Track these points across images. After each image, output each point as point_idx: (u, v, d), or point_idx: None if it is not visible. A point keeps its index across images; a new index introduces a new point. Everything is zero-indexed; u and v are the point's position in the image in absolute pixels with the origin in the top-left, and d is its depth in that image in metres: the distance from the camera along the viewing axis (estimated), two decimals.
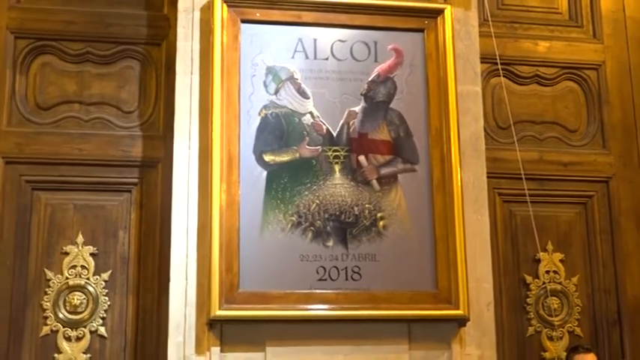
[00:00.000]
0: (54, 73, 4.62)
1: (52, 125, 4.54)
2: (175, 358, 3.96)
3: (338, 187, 4.26)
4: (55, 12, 4.66)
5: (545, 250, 4.83)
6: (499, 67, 4.84)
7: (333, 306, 4.08)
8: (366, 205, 4.26)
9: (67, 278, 4.33)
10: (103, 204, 4.48)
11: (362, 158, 4.32)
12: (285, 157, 4.26)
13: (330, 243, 4.18)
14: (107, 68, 4.67)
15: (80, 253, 4.37)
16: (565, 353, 4.68)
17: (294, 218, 4.17)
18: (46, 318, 4.28)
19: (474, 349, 4.20)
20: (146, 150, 4.55)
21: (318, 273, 4.13)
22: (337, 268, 4.15)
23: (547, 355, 4.73)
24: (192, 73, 4.29)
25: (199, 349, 3.97)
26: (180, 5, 4.38)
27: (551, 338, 4.75)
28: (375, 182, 4.30)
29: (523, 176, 4.63)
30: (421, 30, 4.52)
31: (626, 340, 4.73)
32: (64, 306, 4.30)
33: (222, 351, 3.99)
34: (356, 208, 4.24)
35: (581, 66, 5.17)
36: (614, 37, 5.24)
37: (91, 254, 4.39)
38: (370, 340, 4.11)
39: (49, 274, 4.34)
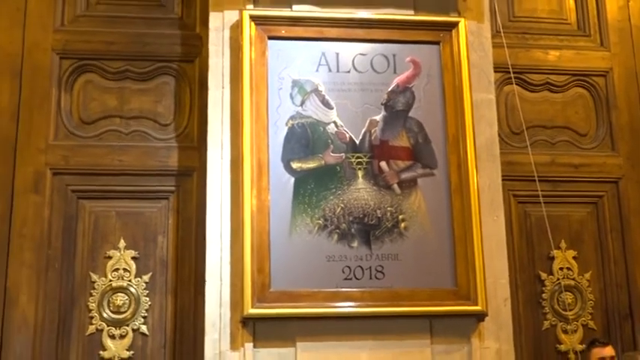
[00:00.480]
0: (96, 90, 4.66)
1: (94, 138, 4.58)
2: (212, 354, 3.96)
3: (361, 191, 4.25)
4: (97, 33, 4.70)
5: (558, 248, 4.79)
6: (512, 75, 4.81)
7: (358, 303, 4.07)
8: (388, 208, 4.24)
9: (110, 280, 4.36)
10: (143, 211, 4.50)
11: (383, 164, 4.30)
12: (311, 164, 4.25)
13: (355, 244, 4.17)
14: (145, 84, 4.71)
15: (122, 257, 4.40)
16: (580, 346, 4.67)
17: (320, 221, 4.17)
18: (91, 318, 4.31)
19: (493, 343, 4.16)
20: (182, 160, 4.57)
21: (343, 272, 4.12)
22: (362, 268, 4.14)
23: (562, 347, 4.69)
24: (223, 88, 4.30)
25: (234, 345, 3.97)
26: (212, 24, 4.40)
27: (565, 331, 4.71)
28: (396, 186, 4.28)
29: (536, 178, 4.60)
30: (437, 42, 4.50)
31: (638, 333, 4.68)
32: (108, 306, 4.33)
33: (255, 347, 3.99)
34: (378, 211, 4.23)
35: (590, 73, 5.13)
36: (620, 45, 5.19)
37: (133, 258, 4.41)
38: (394, 335, 4.08)
39: (94, 276, 4.37)
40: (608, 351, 4.14)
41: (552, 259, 4.79)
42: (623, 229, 4.90)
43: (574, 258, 4.83)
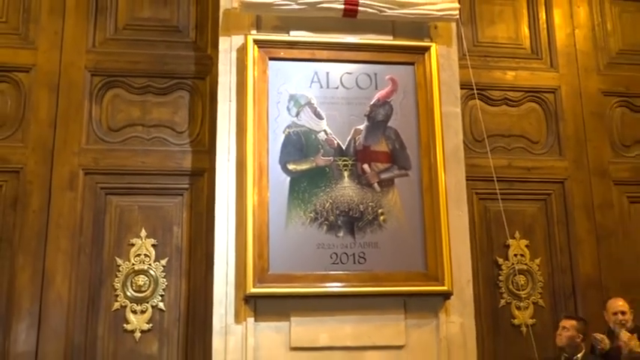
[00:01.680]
0: (122, 102, 4.66)
1: (120, 143, 4.58)
2: (219, 326, 3.96)
3: (347, 189, 4.24)
4: (123, 54, 4.69)
5: (513, 238, 4.80)
6: (475, 92, 4.82)
7: (344, 284, 4.07)
8: (370, 204, 4.23)
9: (133, 264, 4.36)
10: (161, 205, 4.50)
11: (365, 166, 4.30)
12: (304, 166, 4.24)
13: (341, 234, 4.16)
14: (164, 98, 4.70)
15: (143, 244, 4.40)
16: (531, 320, 4.68)
17: (312, 214, 4.16)
18: (116, 296, 4.31)
19: (457, 318, 4.16)
20: (194, 162, 4.57)
21: (331, 258, 4.11)
22: (347, 254, 4.13)
23: (516, 322, 4.69)
24: (230, 101, 4.29)
25: (238, 319, 3.97)
26: (221, 47, 4.39)
27: (519, 308, 4.72)
28: (376, 185, 4.27)
29: (495, 179, 4.59)
30: (412, 63, 4.48)
31: (580, 310, 4.66)
32: (131, 286, 4.32)
33: (255, 321, 3.98)
34: (361, 206, 4.22)
35: (541, 90, 5.13)
36: (567, 66, 5.19)
37: (152, 245, 4.41)
38: (373, 311, 4.08)
39: (119, 261, 4.36)
40: (568, 323, 4.03)
41: (508, 247, 4.79)
42: (568, 222, 4.90)
43: (526, 246, 4.83)
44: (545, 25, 5.24)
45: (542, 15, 5.25)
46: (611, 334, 4.09)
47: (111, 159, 4.50)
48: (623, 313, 4.10)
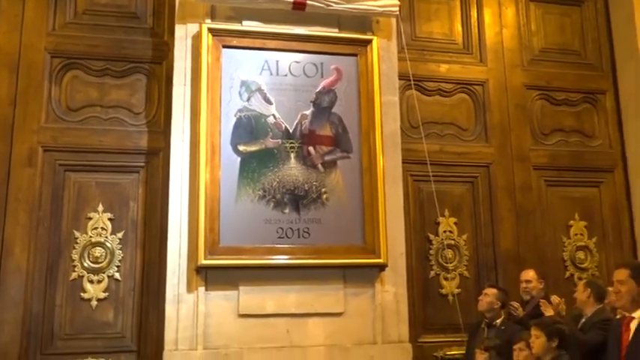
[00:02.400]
0: (81, 83, 4.49)
1: (79, 122, 4.42)
2: (172, 295, 3.92)
3: (293, 169, 4.22)
4: (82, 38, 4.53)
5: (443, 216, 4.85)
6: (412, 82, 4.82)
7: (289, 257, 4.07)
8: (314, 183, 4.22)
9: (90, 237, 4.25)
10: (118, 182, 4.38)
11: (311, 148, 4.28)
12: (254, 148, 4.19)
13: (287, 210, 4.14)
14: (122, 80, 4.55)
15: (100, 218, 4.29)
16: (457, 289, 4.75)
17: (260, 192, 4.12)
18: (74, 267, 4.20)
19: (391, 287, 4.22)
20: (150, 142, 4.45)
21: (277, 233, 4.09)
22: (292, 229, 4.12)
23: (443, 291, 4.77)
24: (185, 85, 4.20)
25: (189, 288, 3.93)
26: (177, 34, 4.29)
27: (446, 279, 4.80)
28: (320, 166, 4.26)
29: (428, 162, 4.64)
30: (355, 55, 4.47)
31: (500, 280, 4.75)
32: (88, 257, 4.21)
33: (206, 290, 3.95)
34: (306, 185, 4.21)
35: (471, 83, 5.18)
36: (494, 62, 5.25)
37: (109, 219, 4.30)
38: (316, 281, 4.09)
39: (77, 233, 4.24)
40: (489, 290, 4.07)
41: (438, 224, 4.85)
42: (492, 202, 4.98)
43: (455, 223, 4.89)
44: (476, 24, 5.28)
45: (474, 14, 5.29)
46: (525, 303, 4.19)
47: (70, 137, 4.35)
48: (527, 281, 4.22)
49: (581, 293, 3.78)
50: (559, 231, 5.09)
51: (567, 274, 5.03)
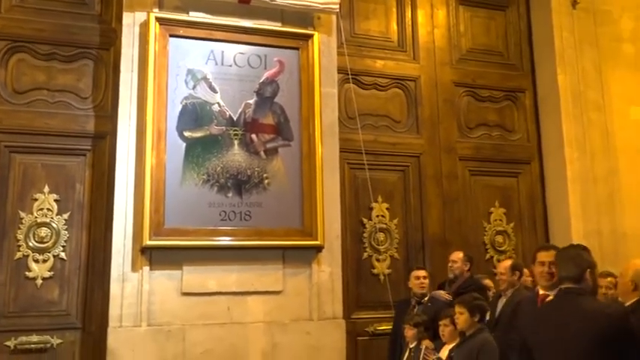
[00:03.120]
0: (27, 67, 4.38)
1: (25, 105, 4.31)
2: (117, 274, 3.92)
3: (236, 155, 4.26)
4: (29, 22, 4.40)
5: (376, 201, 4.97)
6: (350, 76, 4.91)
7: (231, 238, 4.12)
8: (256, 169, 4.28)
9: (36, 217, 4.17)
10: (65, 164, 4.30)
11: (254, 136, 4.33)
12: (199, 134, 4.22)
13: (230, 194, 4.19)
14: (69, 65, 4.46)
15: (46, 199, 4.21)
16: (388, 270, 4.87)
17: (204, 176, 4.16)
18: (19, 246, 4.12)
19: (327, 267, 4.34)
20: (97, 126, 4.39)
21: (220, 215, 4.14)
22: (234, 212, 4.18)
23: (375, 271, 4.91)
24: (132, 71, 4.18)
25: (134, 268, 3.94)
26: (125, 22, 4.25)
27: (378, 260, 4.93)
28: (262, 153, 4.32)
29: (363, 151, 4.76)
30: (297, 48, 4.54)
31: (427, 261, 4.93)
32: (34, 237, 4.14)
33: (151, 269, 3.98)
34: (249, 171, 4.26)
35: (405, 78, 5.31)
36: (426, 59, 5.39)
37: (55, 200, 4.23)
38: (256, 261, 4.17)
39: (22, 214, 4.16)
40: (421, 272, 4.20)
41: (372, 209, 4.97)
42: (421, 190, 5.14)
43: (387, 209, 5.02)
44: (410, 23, 5.41)
45: (408, 14, 5.42)
46: (451, 282, 4.37)
47: (15, 119, 4.24)
48: (453, 262, 4.38)
49: (511, 275, 3.81)
50: (481, 217, 5.32)
51: (487, 255, 5.28)
